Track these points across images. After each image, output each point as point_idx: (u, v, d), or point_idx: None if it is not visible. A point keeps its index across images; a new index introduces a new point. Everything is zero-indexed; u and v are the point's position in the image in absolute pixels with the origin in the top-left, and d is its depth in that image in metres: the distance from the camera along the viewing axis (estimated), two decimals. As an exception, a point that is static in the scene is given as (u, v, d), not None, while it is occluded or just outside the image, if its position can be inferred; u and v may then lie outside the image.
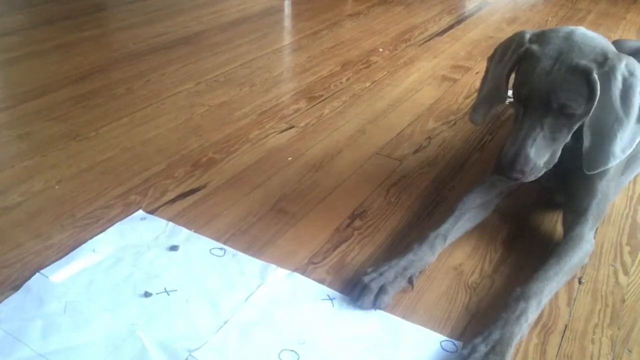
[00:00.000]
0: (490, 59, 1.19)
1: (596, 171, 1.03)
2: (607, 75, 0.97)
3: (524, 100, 1.02)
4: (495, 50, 1.18)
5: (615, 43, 1.61)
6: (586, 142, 1.01)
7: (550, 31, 1.05)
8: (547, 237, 1.20)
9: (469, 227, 1.16)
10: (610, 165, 1.01)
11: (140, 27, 2.43)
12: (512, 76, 1.11)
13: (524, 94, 1.02)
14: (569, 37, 1.01)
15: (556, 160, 1.05)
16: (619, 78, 0.98)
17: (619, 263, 1.13)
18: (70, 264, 1.03)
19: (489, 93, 1.15)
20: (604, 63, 0.97)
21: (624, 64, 0.98)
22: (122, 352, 0.86)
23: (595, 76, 0.96)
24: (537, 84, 1.00)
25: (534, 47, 1.03)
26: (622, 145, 1.00)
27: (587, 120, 1.00)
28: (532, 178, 1.04)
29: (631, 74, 0.98)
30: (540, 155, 1.02)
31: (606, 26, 2.68)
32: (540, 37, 1.05)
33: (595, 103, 0.97)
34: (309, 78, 1.97)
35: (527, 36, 1.07)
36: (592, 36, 1.02)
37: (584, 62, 0.97)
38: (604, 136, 1.00)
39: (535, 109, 1.01)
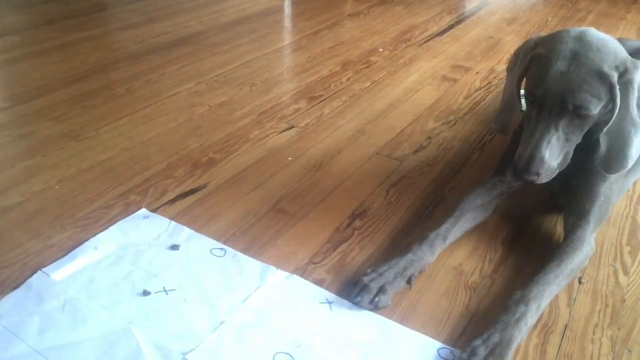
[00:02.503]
0: (507, 70, 1.20)
1: (615, 173, 1.05)
2: (626, 85, 0.99)
3: (538, 102, 1.02)
4: (510, 60, 1.19)
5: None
6: (603, 147, 1.03)
7: (558, 32, 1.06)
8: (547, 238, 1.20)
9: (469, 227, 1.16)
10: (628, 167, 1.03)
11: (140, 27, 2.43)
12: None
13: (538, 95, 1.01)
14: (581, 38, 1.01)
15: (569, 161, 1.05)
16: (636, 87, 0.99)
17: (619, 263, 1.13)
18: (72, 262, 1.03)
19: (507, 102, 1.15)
20: (624, 73, 0.98)
21: (638, 74, 0.99)
22: (117, 350, 0.86)
23: (618, 87, 0.98)
24: (552, 84, 1.00)
25: (542, 50, 1.04)
26: (637, 147, 1.02)
27: (605, 128, 1.01)
28: (546, 180, 1.04)
29: None
30: (555, 157, 1.02)
31: (606, 26, 2.68)
32: (548, 40, 1.06)
33: (617, 112, 0.99)
34: (309, 78, 1.97)
35: (533, 42, 1.09)
36: (606, 38, 1.03)
37: (605, 68, 0.98)
38: (621, 142, 1.01)
39: (550, 110, 1.01)
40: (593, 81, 0.98)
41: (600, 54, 0.99)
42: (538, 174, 1.02)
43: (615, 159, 1.03)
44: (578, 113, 0.99)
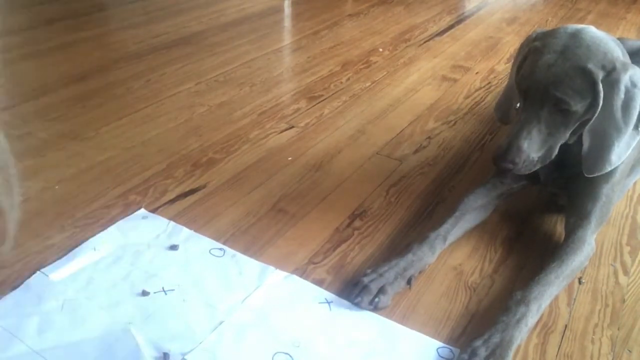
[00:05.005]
0: (513, 60, 1.22)
1: (593, 175, 1.04)
2: (612, 85, 0.98)
3: (524, 93, 1.03)
4: (516, 51, 1.20)
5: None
6: (585, 146, 1.02)
7: (559, 27, 1.07)
8: (547, 238, 1.20)
9: (469, 228, 1.16)
10: (606, 171, 1.02)
11: (140, 27, 2.43)
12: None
13: (525, 85, 1.03)
14: (576, 35, 1.02)
15: (552, 156, 1.05)
16: (622, 88, 0.98)
17: (619, 263, 1.13)
18: (71, 262, 1.03)
19: (506, 91, 1.18)
20: (611, 72, 0.98)
21: (629, 75, 0.98)
22: (116, 350, 0.86)
23: (600, 84, 0.97)
24: (538, 75, 1.01)
25: (538, 43, 1.05)
26: (618, 153, 1.01)
27: (588, 125, 1.01)
28: (524, 171, 1.04)
29: (634, 85, 0.99)
30: (534, 149, 1.02)
31: (606, 26, 2.68)
32: (547, 34, 1.07)
33: (598, 110, 0.98)
34: (309, 78, 1.97)
35: (534, 36, 1.10)
36: (601, 37, 1.02)
37: (591, 65, 0.98)
38: (602, 143, 1.01)
39: (533, 101, 1.02)
40: (576, 76, 0.98)
41: (588, 51, 0.99)
42: (514, 163, 1.02)
43: (595, 160, 1.02)
44: (559, 107, 1.00)
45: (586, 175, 1.04)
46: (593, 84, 0.98)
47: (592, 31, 1.03)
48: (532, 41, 1.09)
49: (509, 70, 1.25)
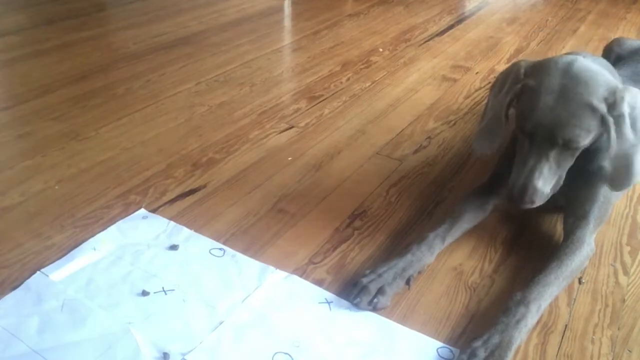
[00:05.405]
0: (491, 89, 1.19)
1: (625, 189, 1.06)
2: (617, 117, 0.99)
3: (530, 135, 1.03)
4: (496, 80, 1.17)
5: (616, 41, 1.62)
6: (609, 172, 1.03)
7: (546, 62, 1.05)
8: (547, 237, 1.20)
9: (468, 228, 1.16)
10: (636, 182, 1.04)
11: (140, 27, 2.43)
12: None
13: (528, 128, 1.02)
14: (569, 70, 1.01)
15: (562, 183, 1.06)
16: (627, 115, 1.00)
17: (619, 263, 1.13)
18: (71, 262, 1.03)
19: (489, 124, 1.14)
20: (613, 105, 0.99)
21: (627, 102, 1.00)
22: (116, 351, 0.86)
23: (611, 120, 0.98)
24: (542, 119, 1.00)
25: (531, 82, 1.04)
26: (638, 160, 1.03)
27: (607, 158, 1.02)
28: (540, 203, 1.06)
29: (634, 107, 1.00)
30: (548, 184, 1.04)
31: (606, 26, 2.68)
32: (537, 70, 1.05)
33: (614, 145, 1.00)
34: (309, 78, 1.97)
35: (522, 70, 1.07)
36: (592, 68, 1.02)
37: (594, 102, 0.98)
38: (624, 164, 1.02)
39: (541, 144, 1.02)
40: (583, 116, 0.99)
41: (588, 87, 0.99)
42: (533, 202, 1.04)
43: (622, 178, 1.03)
44: (568, 146, 1.01)
45: (614, 191, 1.07)
46: (600, 119, 0.99)
47: (583, 64, 1.02)
48: (521, 76, 1.06)
49: (489, 98, 1.18)
